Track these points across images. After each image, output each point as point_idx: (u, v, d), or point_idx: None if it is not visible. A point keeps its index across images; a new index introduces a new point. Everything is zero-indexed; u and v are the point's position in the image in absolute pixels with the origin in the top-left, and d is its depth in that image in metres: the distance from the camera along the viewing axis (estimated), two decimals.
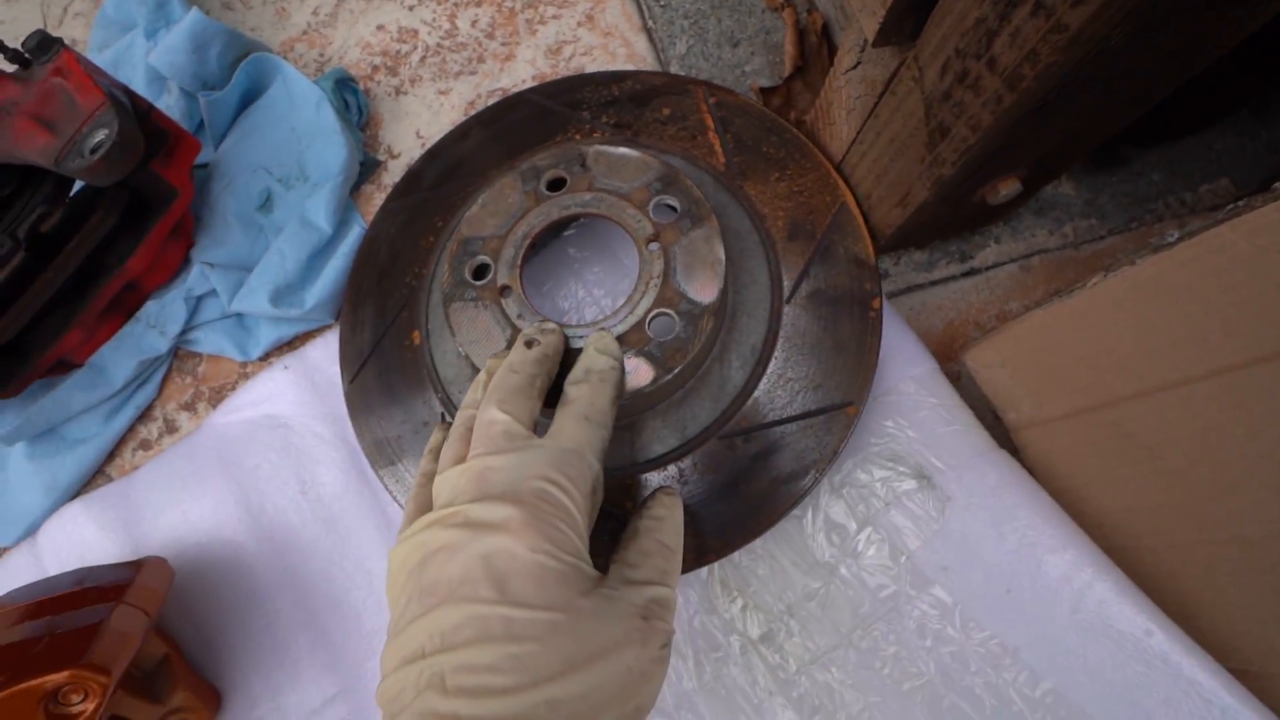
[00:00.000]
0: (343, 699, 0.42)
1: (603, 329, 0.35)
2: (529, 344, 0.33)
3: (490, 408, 0.29)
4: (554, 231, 0.48)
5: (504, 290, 0.39)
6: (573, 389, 0.31)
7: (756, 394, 0.38)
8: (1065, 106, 0.28)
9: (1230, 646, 0.33)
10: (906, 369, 0.40)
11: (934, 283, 0.48)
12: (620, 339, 0.36)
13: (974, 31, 0.27)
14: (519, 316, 0.38)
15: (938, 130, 0.31)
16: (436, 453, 0.33)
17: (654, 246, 0.38)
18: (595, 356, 0.33)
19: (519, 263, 0.39)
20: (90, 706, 0.32)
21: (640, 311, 0.36)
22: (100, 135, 0.38)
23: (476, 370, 0.38)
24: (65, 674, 0.31)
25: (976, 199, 0.37)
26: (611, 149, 0.40)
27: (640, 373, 0.35)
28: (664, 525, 0.30)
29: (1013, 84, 0.26)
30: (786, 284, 0.40)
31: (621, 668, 0.24)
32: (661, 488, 0.33)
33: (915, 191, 0.36)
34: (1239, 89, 0.48)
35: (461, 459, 0.28)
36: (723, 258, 0.37)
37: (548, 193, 0.41)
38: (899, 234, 0.41)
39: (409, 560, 0.26)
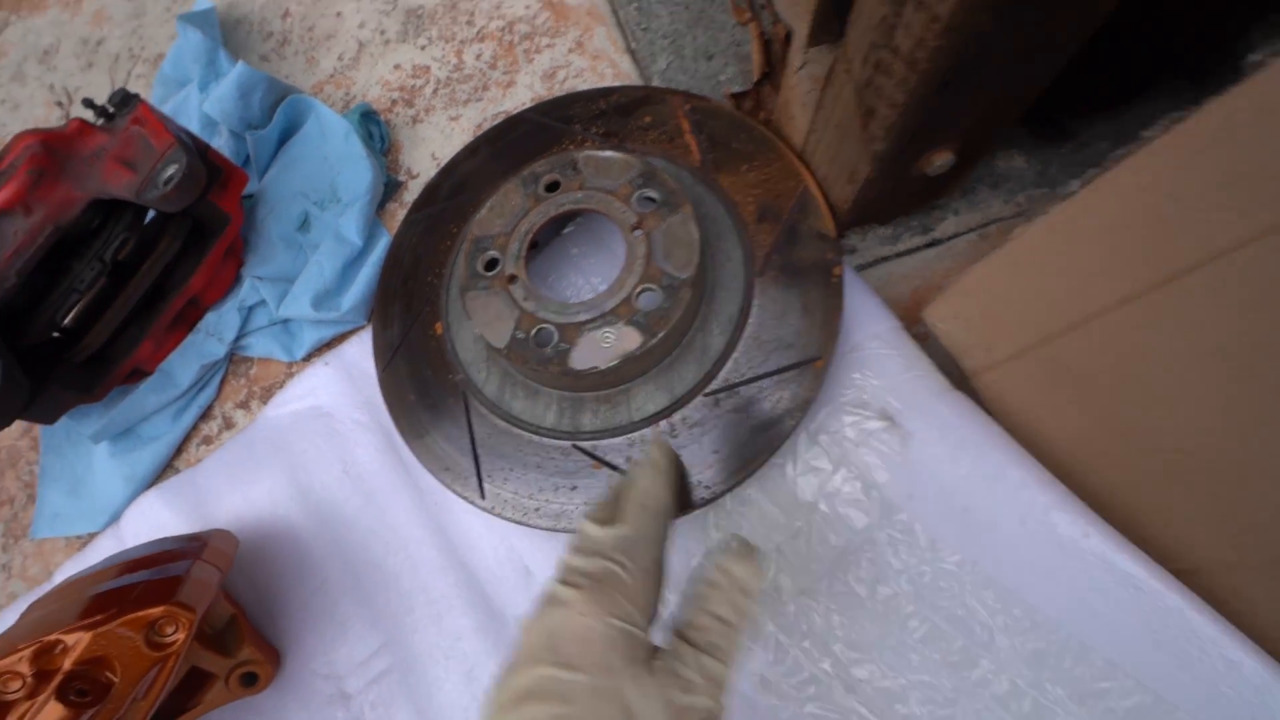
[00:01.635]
0: (386, 651, 0.48)
1: (663, 436, 0.36)
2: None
3: (584, 517, 0.31)
4: (554, 230, 0.54)
5: (512, 279, 0.45)
6: (630, 481, 0.32)
7: (735, 355, 0.44)
8: (968, 84, 0.33)
9: (1167, 549, 0.37)
10: (870, 327, 0.45)
11: (899, 254, 0.53)
12: (611, 312, 0.42)
13: (881, 26, 0.32)
14: (525, 299, 0.44)
15: (868, 112, 0.37)
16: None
17: (638, 233, 0.44)
18: (654, 452, 0.33)
19: (523, 255, 0.45)
20: (181, 636, 0.38)
21: (627, 288, 0.42)
22: (171, 169, 0.46)
23: (493, 350, 0.44)
24: (161, 609, 0.37)
25: (915, 172, 0.42)
26: (598, 153, 0.47)
27: (629, 339, 0.41)
28: (724, 591, 0.29)
29: (913, 66, 0.31)
30: (758, 259, 0.46)
31: None
32: (735, 536, 0.31)
33: (859, 168, 0.41)
34: (1169, 57, 0.53)
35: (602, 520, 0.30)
36: (697, 237, 0.42)
37: (545, 194, 0.47)
38: (856, 209, 0.46)
39: (523, 633, 0.28)
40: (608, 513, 0.31)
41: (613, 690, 0.25)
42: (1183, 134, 0.28)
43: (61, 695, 0.35)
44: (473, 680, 0.46)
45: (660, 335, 0.41)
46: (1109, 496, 0.39)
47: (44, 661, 0.36)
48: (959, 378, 0.46)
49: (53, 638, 0.36)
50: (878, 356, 0.44)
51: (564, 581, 0.28)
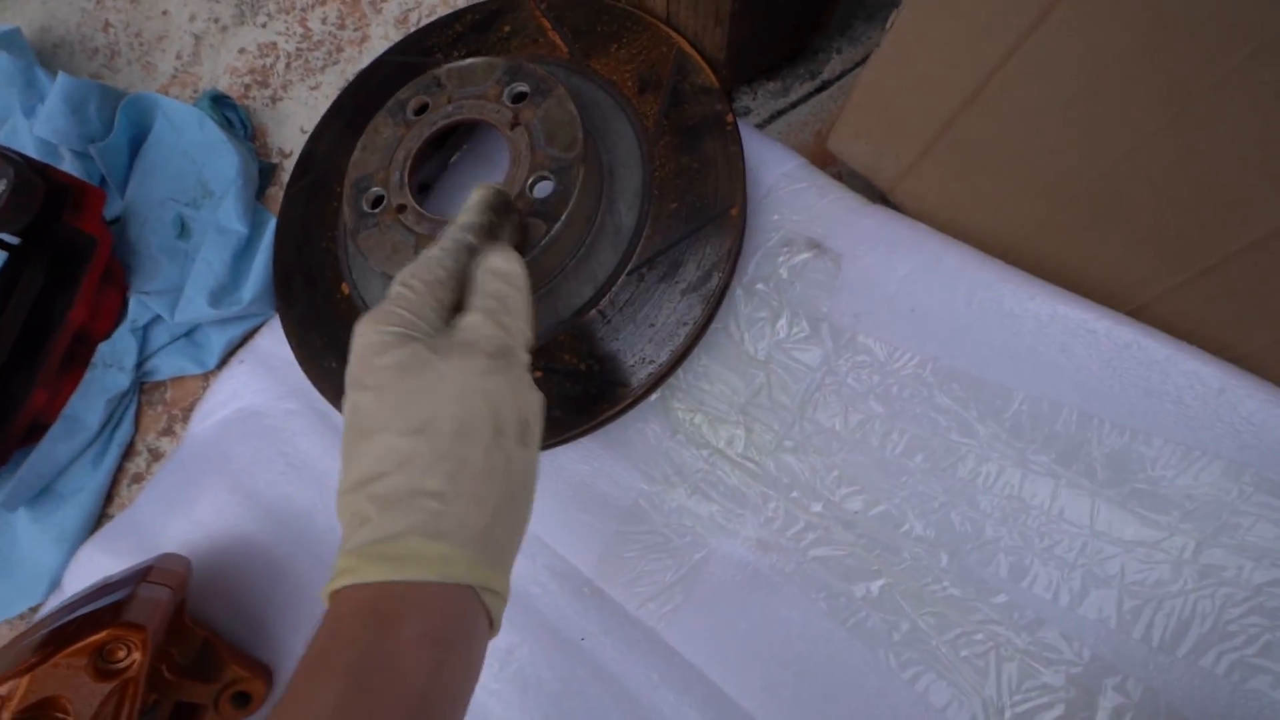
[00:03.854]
0: None
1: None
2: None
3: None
4: (439, 164, 0.51)
5: (400, 209, 0.42)
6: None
7: (647, 228, 0.42)
8: None
9: (1114, 294, 0.37)
10: (777, 169, 0.43)
11: (794, 104, 0.52)
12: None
13: None
14: (418, 224, 0.41)
15: None
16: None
17: (518, 128, 0.42)
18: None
19: (406, 182, 0.43)
20: (137, 658, 0.34)
21: (519, 182, 0.40)
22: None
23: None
24: (105, 633, 0.34)
25: None
26: (458, 63, 0.44)
27: (534, 230, 0.39)
28: (491, 277, 0.30)
29: None
30: (649, 130, 0.44)
31: (449, 385, 0.26)
32: (493, 245, 0.33)
33: (721, 5, 0.39)
34: None
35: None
36: (575, 113, 0.40)
37: (415, 118, 0.44)
38: (735, 56, 0.45)
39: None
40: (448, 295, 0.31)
41: (390, 377, 0.26)
42: None
43: None
44: None
45: (563, 218, 0.38)
46: (1046, 260, 0.39)
47: None
48: (881, 199, 0.45)
49: None
50: (791, 193, 0.42)
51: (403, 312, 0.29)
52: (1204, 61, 0.28)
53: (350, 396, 0.27)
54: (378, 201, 0.43)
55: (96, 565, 0.48)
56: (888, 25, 0.37)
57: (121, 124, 0.53)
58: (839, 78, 0.52)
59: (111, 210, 0.54)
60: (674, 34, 0.46)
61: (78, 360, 0.51)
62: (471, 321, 0.29)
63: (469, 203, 0.35)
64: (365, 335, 0.28)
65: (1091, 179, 0.35)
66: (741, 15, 0.40)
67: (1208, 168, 0.31)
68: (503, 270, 0.31)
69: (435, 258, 0.31)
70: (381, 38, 0.59)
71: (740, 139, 0.42)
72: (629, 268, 0.41)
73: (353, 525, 0.25)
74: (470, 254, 0.32)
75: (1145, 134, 0.32)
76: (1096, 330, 0.35)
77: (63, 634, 0.35)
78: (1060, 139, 0.35)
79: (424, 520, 0.24)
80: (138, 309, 0.51)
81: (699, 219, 0.41)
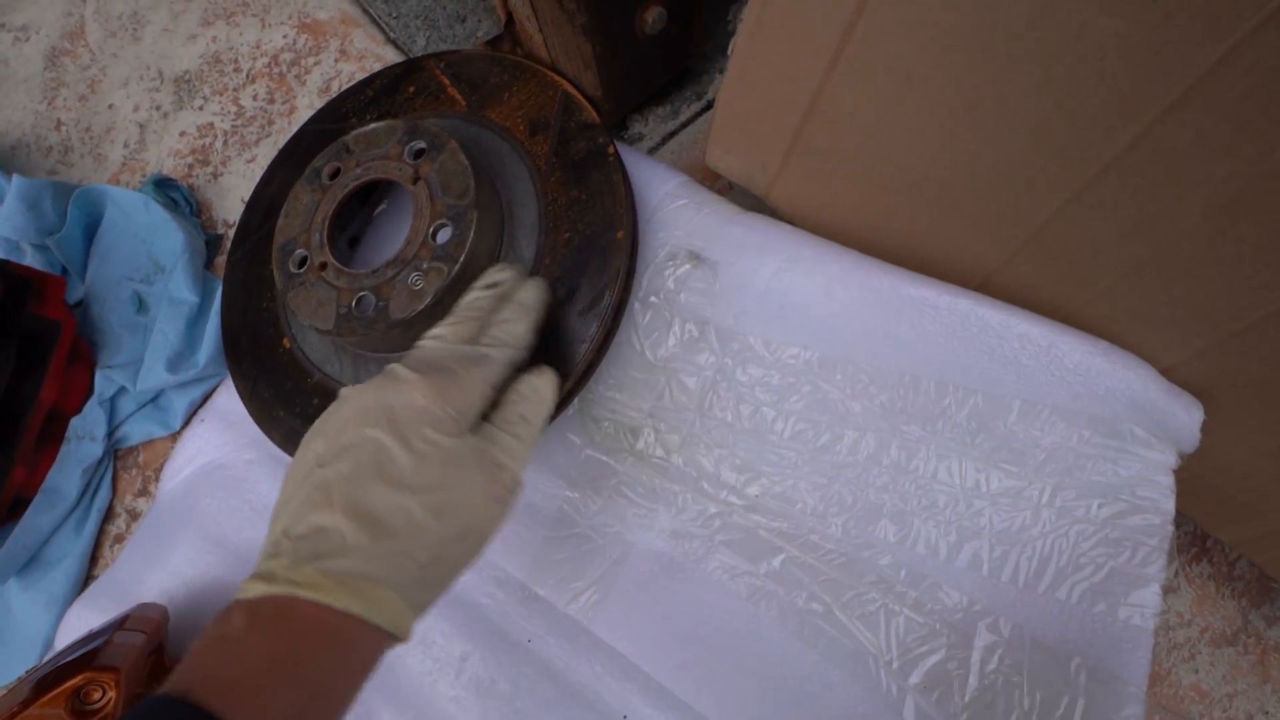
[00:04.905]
0: None
1: (538, 279, 0.42)
2: (489, 286, 0.40)
3: (441, 325, 0.37)
4: (363, 221, 0.56)
5: (322, 266, 0.46)
6: (501, 318, 0.38)
7: (545, 258, 0.46)
8: None
9: (962, 271, 0.41)
10: (661, 189, 0.47)
11: (683, 125, 0.56)
12: (414, 257, 0.44)
13: None
14: (338, 278, 0.45)
15: None
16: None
17: (419, 183, 0.46)
18: (528, 293, 0.40)
19: (325, 242, 0.47)
20: (112, 696, 0.38)
21: (422, 232, 0.44)
22: None
23: (325, 334, 0.45)
24: (80, 678, 0.38)
25: (640, 35, 0.45)
26: (363, 128, 0.49)
27: (437, 274, 0.43)
28: (528, 399, 0.35)
29: None
30: (541, 169, 0.48)
31: (473, 494, 0.30)
32: (537, 367, 0.37)
33: (584, 48, 0.44)
34: None
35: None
36: (466, 163, 0.44)
37: (330, 182, 0.49)
38: (614, 91, 0.49)
39: (349, 395, 0.32)
40: (467, 331, 0.36)
41: (439, 456, 0.29)
42: None
43: None
44: (429, 645, 0.47)
45: (462, 259, 0.43)
46: (903, 247, 0.43)
47: None
48: (760, 205, 0.49)
49: None
50: (673, 210, 0.46)
51: (408, 364, 0.32)
52: (981, 60, 0.32)
53: (383, 439, 0.29)
54: (302, 262, 0.47)
55: (85, 623, 0.52)
56: (729, 51, 0.41)
57: (74, 215, 0.57)
58: None
59: (74, 295, 0.59)
60: (558, 78, 0.50)
61: (53, 436, 0.56)
62: (510, 445, 0.32)
63: (513, 319, 0.38)
64: (424, 400, 0.30)
65: (920, 171, 0.39)
66: (605, 58, 0.45)
67: (1002, 152, 0.35)
68: (544, 399, 0.35)
69: (493, 365, 0.34)
70: (307, 107, 0.64)
71: (623, 167, 0.47)
72: None
73: (331, 539, 0.28)
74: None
75: (949, 128, 0.36)
76: (939, 306, 0.38)
77: (43, 683, 0.38)
78: (887, 139, 0.39)
79: (404, 581, 0.28)
80: (103, 383, 0.55)
81: (589, 246, 0.45)
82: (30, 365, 0.54)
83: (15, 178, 0.56)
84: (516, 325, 0.37)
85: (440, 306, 0.44)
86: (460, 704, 0.45)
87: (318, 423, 0.32)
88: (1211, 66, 0.27)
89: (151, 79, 0.67)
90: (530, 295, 0.39)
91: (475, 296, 0.39)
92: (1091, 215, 0.34)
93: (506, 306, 0.38)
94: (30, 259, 0.58)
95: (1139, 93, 0.30)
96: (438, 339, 0.36)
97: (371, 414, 0.30)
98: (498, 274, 0.41)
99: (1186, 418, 0.34)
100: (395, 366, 0.32)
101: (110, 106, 0.67)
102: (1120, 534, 0.34)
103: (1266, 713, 0.43)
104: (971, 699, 0.34)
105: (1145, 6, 0.27)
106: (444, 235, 0.44)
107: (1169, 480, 0.35)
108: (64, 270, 0.59)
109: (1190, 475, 0.38)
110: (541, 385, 0.36)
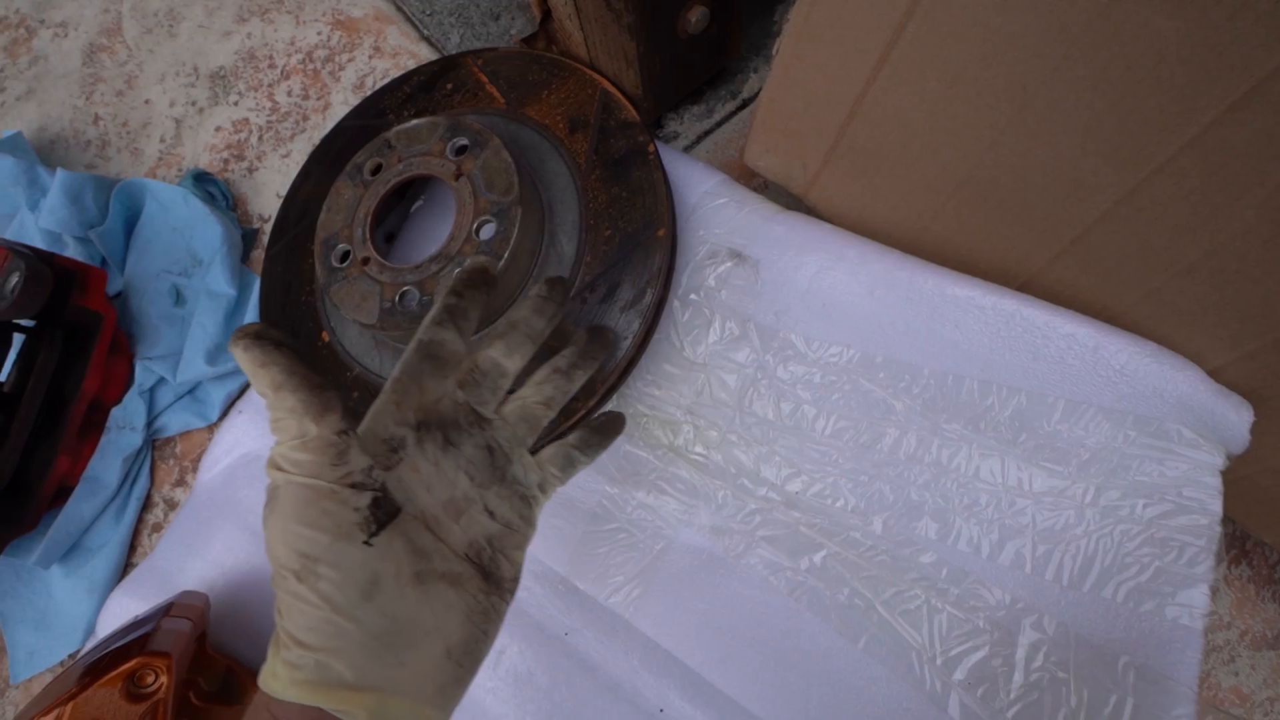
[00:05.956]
0: None
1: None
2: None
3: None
4: (401, 215, 0.56)
5: (365, 261, 0.47)
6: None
7: (587, 255, 0.46)
8: None
9: (1005, 271, 0.41)
10: (699, 188, 0.48)
11: (718, 124, 0.56)
12: (458, 253, 0.44)
13: None
14: (381, 273, 0.46)
15: None
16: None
17: (462, 179, 0.46)
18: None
19: (368, 237, 0.48)
20: (164, 681, 0.39)
21: (465, 228, 0.45)
22: (14, 278, 0.47)
23: (368, 328, 0.46)
24: (134, 661, 0.38)
25: (682, 35, 0.45)
26: (405, 125, 0.49)
27: (488, 265, 0.43)
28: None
29: None
30: (581, 166, 0.49)
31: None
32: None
33: (628, 48, 0.44)
34: None
35: None
36: (510, 160, 0.45)
37: (371, 178, 0.49)
38: (653, 89, 0.49)
39: None
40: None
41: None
42: None
43: None
44: None
45: (506, 255, 0.43)
46: (944, 246, 0.43)
47: None
48: (797, 204, 0.49)
49: None
50: (714, 209, 0.47)
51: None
52: (1032, 62, 0.33)
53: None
54: (345, 257, 0.48)
55: (125, 609, 0.53)
56: (774, 51, 0.42)
57: (115, 209, 0.58)
58: (758, 94, 0.57)
59: (114, 287, 0.59)
60: (597, 76, 0.51)
61: (94, 426, 0.57)
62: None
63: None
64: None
65: (965, 172, 0.39)
66: (648, 56, 0.45)
67: (1052, 153, 0.35)
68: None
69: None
70: (341, 103, 0.64)
71: (662, 165, 0.47)
72: (573, 293, 0.46)
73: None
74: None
75: (999, 129, 0.36)
76: (984, 306, 0.39)
77: (98, 666, 0.39)
78: (933, 140, 0.39)
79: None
80: (143, 374, 0.56)
81: (630, 243, 0.46)
82: (74, 356, 0.55)
83: (59, 171, 0.57)
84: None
85: (495, 307, 0.44)
86: (498, 695, 0.46)
87: None
88: (1277, 67, 0.27)
89: (187, 75, 0.68)
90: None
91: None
92: (1141, 217, 0.35)
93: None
94: (72, 251, 0.59)
95: (1198, 93, 0.30)
96: None
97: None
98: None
99: (1236, 419, 0.34)
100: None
101: (147, 102, 0.68)
102: (1166, 534, 0.34)
103: None
104: (1017, 695, 0.34)
105: (1208, 8, 0.27)
106: (488, 231, 0.45)
107: (1216, 481, 0.35)
108: (104, 262, 0.60)
109: (1236, 477, 0.38)
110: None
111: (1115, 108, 0.32)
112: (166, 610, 0.44)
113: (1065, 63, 0.32)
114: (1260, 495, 0.39)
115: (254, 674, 0.49)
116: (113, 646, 0.41)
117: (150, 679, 0.39)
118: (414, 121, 0.49)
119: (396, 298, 0.45)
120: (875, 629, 0.38)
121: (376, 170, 0.49)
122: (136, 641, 0.40)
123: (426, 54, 0.64)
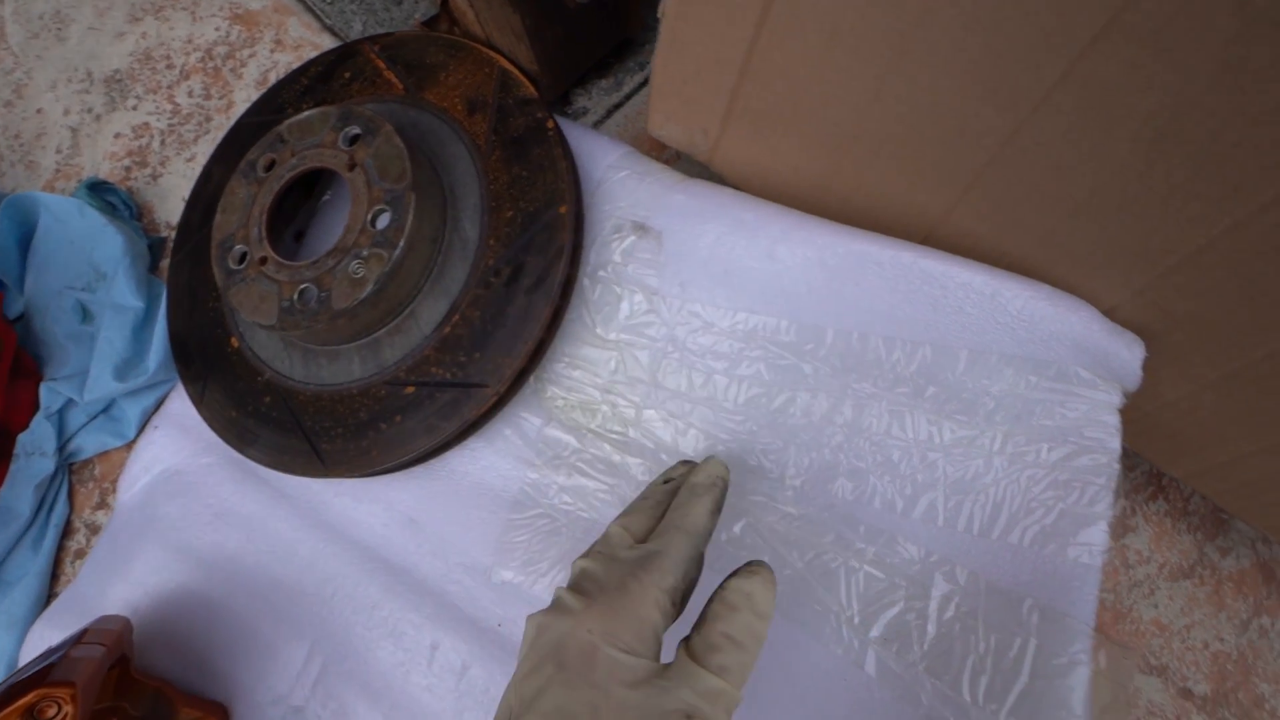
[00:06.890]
0: (316, 651, 0.48)
1: (714, 457, 0.36)
2: (665, 481, 0.36)
3: (612, 522, 0.33)
4: (307, 208, 0.54)
5: (262, 260, 0.45)
6: (675, 502, 0.33)
7: (490, 238, 0.45)
8: None
9: (907, 225, 0.40)
10: (603, 161, 0.47)
11: (627, 97, 0.55)
12: (354, 245, 0.43)
13: None
14: (278, 272, 0.44)
15: None
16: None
17: (356, 170, 0.45)
18: (701, 472, 0.34)
19: (264, 237, 0.46)
20: (68, 710, 0.37)
21: (361, 218, 0.43)
22: None
23: (271, 329, 0.44)
24: (33, 695, 0.37)
25: (572, 6, 0.44)
26: (295, 117, 0.47)
27: (377, 260, 0.42)
28: (740, 612, 0.28)
29: None
30: (482, 148, 0.47)
31: None
32: (754, 561, 0.30)
33: (514, 21, 0.43)
34: None
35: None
36: (401, 146, 0.43)
37: (266, 174, 0.47)
38: (550, 64, 0.48)
39: (529, 631, 0.29)
40: (641, 521, 0.32)
41: (612, 712, 0.24)
42: None
43: None
44: (399, 636, 0.46)
45: (402, 244, 0.42)
46: (847, 204, 0.42)
47: None
48: (707, 173, 0.48)
49: None
50: (618, 182, 0.46)
51: (574, 588, 0.28)
52: (904, 6, 0.32)
53: (562, 699, 0.25)
54: (242, 258, 0.46)
55: (47, 641, 0.51)
56: (658, 14, 0.41)
57: (5, 226, 0.55)
58: None
59: (14, 308, 0.57)
60: (494, 54, 0.49)
61: (1, 455, 0.54)
62: (712, 687, 0.25)
63: (685, 501, 0.32)
64: (591, 635, 0.26)
65: (856, 125, 0.38)
66: (538, 30, 0.44)
67: (935, 100, 0.34)
68: (759, 608, 0.28)
69: (664, 563, 0.29)
70: (245, 101, 0.62)
71: (565, 141, 0.46)
72: (478, 277, 0.45)
73: None
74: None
75: (881, 79, 0.35)
76: (881, 260, 0.38)
77: None
78: (822, 94, 0.38)
79: None
80: (49, 395, 0.54)
81: (532, 222, 0.44)
82: None
83: None
84: (689, 508, 0.32)
85: (383, 294, 0.43)
86: (434, 692, 0.45)
87: (530, 638, 0.29)
88: None
89: (80, 80, 0.65)
90: (702, 474, 0.34)
91: (652, 487, 0.35)
92: (1026, 159, 0.34)
93: (681, 490, 0.34)
94: None
95: (1062, 27, 0.29)
96: (618, 530, 0.32)
97: (544, 662, 0.26)
98: (673, 470, 0.37)
99: (1129, 356, 0.34)
100: (560, 592, 0.29)
101: (39, 111, 0.65)
102: (1069, 475, 0.35)
103: (1222, 639, 0.44)
104: (930, 647, 0.34)
105: None
106: (383, 221, 0.43)
107: (1115, 419, 0.35)
108: (0, 284, 0.58)
109: (1140, 414, 0.38)
110: (755, 590, 0.28)
111: (989, 47, 0.32)
112: (79, 638, 0.43)
113: (936, 3, 0.31)
114: (1163, 431, 0.39)
115: (185, 693, 0.48)
116: (12, 681, 0.39)
117: (52, 711, 0.37)
118: (306, 113, 0.47)
119: (295, 296, 0.43)
120: (796, 593, 0.38)
121: (270, 166, 0.47)
122: (38, 673, 0.38)
123: (329, 44, 0.62)
